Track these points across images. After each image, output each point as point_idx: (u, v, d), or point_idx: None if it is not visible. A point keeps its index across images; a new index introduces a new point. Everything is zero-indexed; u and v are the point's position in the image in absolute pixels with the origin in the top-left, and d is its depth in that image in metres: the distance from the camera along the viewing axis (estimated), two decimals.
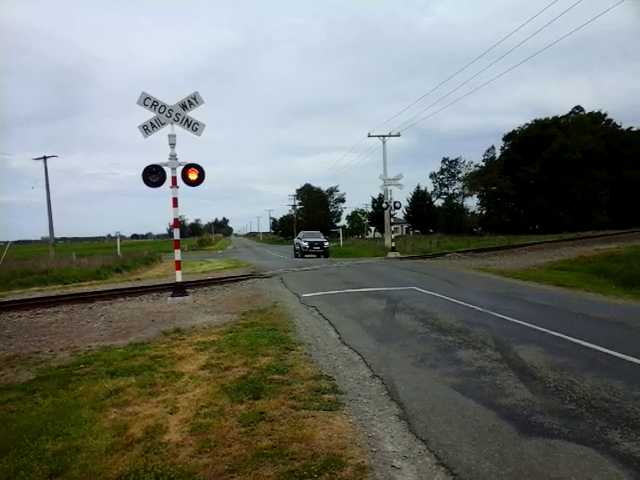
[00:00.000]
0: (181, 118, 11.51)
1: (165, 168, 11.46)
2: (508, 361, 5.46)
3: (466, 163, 73.32)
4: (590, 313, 8.49)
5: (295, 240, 36.03)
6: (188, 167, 11.62)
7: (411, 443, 3.56)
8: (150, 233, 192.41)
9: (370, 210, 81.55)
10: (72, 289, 16.03)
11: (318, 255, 29.83)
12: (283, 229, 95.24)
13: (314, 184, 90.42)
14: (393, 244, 28.50)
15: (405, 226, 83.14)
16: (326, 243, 31.43)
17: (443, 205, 74.88)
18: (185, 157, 11.76)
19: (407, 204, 75.53)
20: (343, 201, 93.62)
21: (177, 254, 12.03)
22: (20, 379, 5.57)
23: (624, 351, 5.61)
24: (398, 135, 36.66)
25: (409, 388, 4.72)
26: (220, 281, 15.20)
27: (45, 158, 37.66)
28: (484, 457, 3.27)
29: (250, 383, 4.84)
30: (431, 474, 3.11)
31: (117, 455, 3.45)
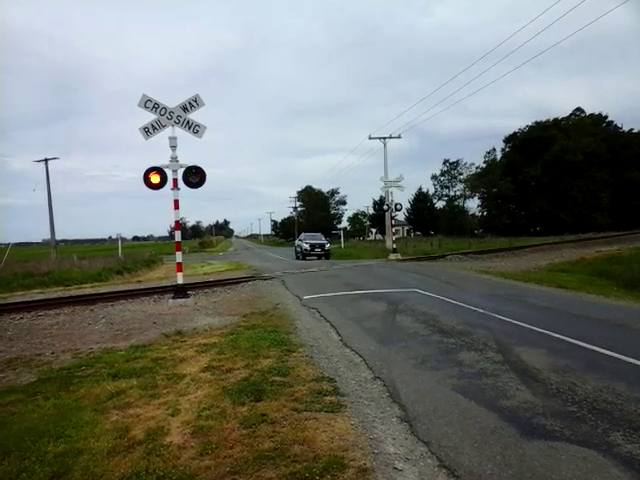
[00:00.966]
0: (182, 120, 11.54)
1: (166, 170, 11.48)
2: (510, 363, 5.45)
3: (467, 165, 73.50)
4: (591, 315, 8.47)
5: (296, 242, 35.99)
6: (189, 169, 11.64)
7: (413, 445, 3.56)
8: (151, 235, 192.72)
9: (371, 212, 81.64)
10: (73, 291, 16.04)
11: (319, 257, 29.81)
12: (284, 231, 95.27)
13: (315, 186, 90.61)
14: (394, 246, 28.47)
15: (406, 228, 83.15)
16: (327, 245, 31.40)
17: (444, 207, 74.91)
18: (186, 159, 11.81)
19: (408, 206, 75.72)
20: (344, 203, 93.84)
21: (178, 256, 12.04)
22: (22, 381, 5.57)
23: (626, 353, 5.60)
24: (399, 137, 36.71)
25: (411, 390, 4.71)
26: (221, 283, 15.19)
27: (46, 160, 37.73)
28: (486, 459, 3.26)
29: (251, 385, 4.83)
30: (433, 476, 3.10)
31: (119, 457, 3.45)
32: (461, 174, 74.16)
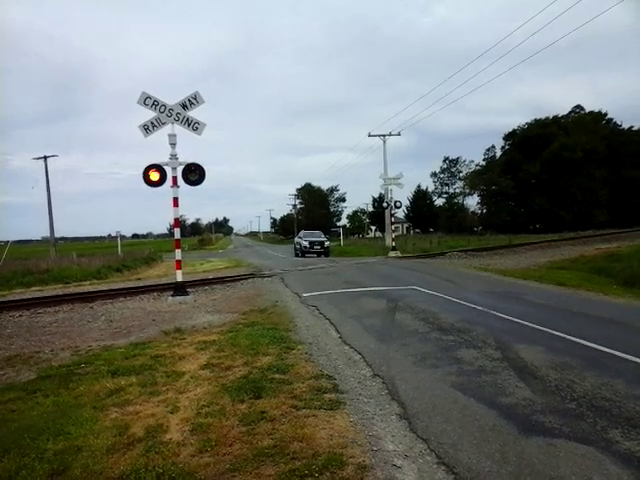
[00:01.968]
0: (181, 118, 11.51)
1: (165, 167, 11.46)
2: (509, 360, 5.46)
3: (467, 162, 73.46)
4: (591, 312, 8.48)
5: (295, 239, 36.02)
6: (188, 166, 11.62)
7: (412, 442, 3.57)
8: (151, 233, 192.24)
9: (370, 209, 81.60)
10: (73, 289, 16.04)
11: (319, 254, 29.83)
12: (283, 228, 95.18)
13: (314, 183, 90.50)
14: (394, 243, 28.48)
15: (406, 225, 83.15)
16: (326, 242, 31.42)
17: (444, 204, 74.92)
18: (186, 156, 11.79)
19: (408, 203, 75.77)
20: (344, 200, 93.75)
21: (178, 253, 12.03)
22: (21, 378, 5.58)
23: (625, 350, 5.61)
24: (398, 134, 36.68)
25: (410, 387, 4.72)
26: (221, 280, 15.20)
27: (45, 158, 37.64)
28: (485, 456, 3.27)
29: (251, 382, 4.84)
30: (432, 473, 3.11)
31: (118, 454, 3.45)
32: (461, 172, 74.22)
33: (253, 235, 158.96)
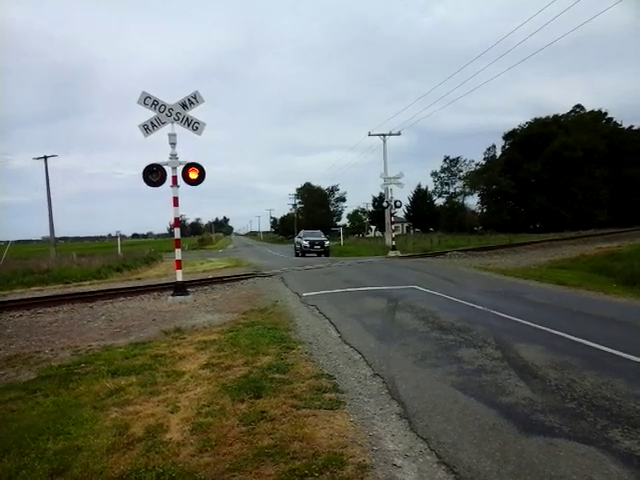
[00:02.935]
0: (181, 117, 11.51)
1: (165, 167, 11.46)
2: (509, 360, 5.46)
3: (467, 162, 73.42)
4: (591, 312, 8.48)
5: (296, 239, 36.01)
6: (188, 166, 11.62)
7: (412, 442, 3.56)
8: (151, 232, 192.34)
9: (371, 209, 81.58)
10: (73, 288, 16.05)
11: (319, 254, 29.82)
12: (284, 228, 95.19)
13: (315, 183, 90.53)
14: (394, 243, 28.47)
15: (406, 225, 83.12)
16: (327, 242, 31.42)
17: (444, 204, 74.90)
18: (185, 156, 11.77)
19: (408, 203, 75.73)
20: (344, 200, 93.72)
21: (178, 253, 12.03)
22: (21, 378, 5.58)
23: (625, 350, 5.60)
24: (398, 134, 36.69)
25: (410, 387, 4.72)
26: (221, 280, 15.20)
27: (45, 158, 37.59)
28: (485, 456, 3.27)
29: (251, 382, 4.84)
30: (432, 472, 3.11)
31: (118, 454, 3.45)
32: (461, 171, 74.14)
33: (253, 235, 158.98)
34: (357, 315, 8.58)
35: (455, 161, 74.65)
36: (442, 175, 75.79)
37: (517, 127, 63.81)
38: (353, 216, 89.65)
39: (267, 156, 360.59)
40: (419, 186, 77.02)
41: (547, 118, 61.82)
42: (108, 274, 21.68)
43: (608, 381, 4.61)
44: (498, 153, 67.15)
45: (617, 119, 62.87)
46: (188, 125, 11.61)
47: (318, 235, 32.81)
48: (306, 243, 30.77)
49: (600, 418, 3.80)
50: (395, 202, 28.82)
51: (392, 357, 5.79)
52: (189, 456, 3.38)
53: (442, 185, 76.21)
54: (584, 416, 3.86)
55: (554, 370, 5.02)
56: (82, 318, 9.70)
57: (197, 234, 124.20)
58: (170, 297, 11.58)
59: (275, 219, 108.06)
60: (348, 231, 78.82)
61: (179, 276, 11.90)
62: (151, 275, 21.82)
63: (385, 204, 32.38)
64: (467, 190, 70.92)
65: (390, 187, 29.77)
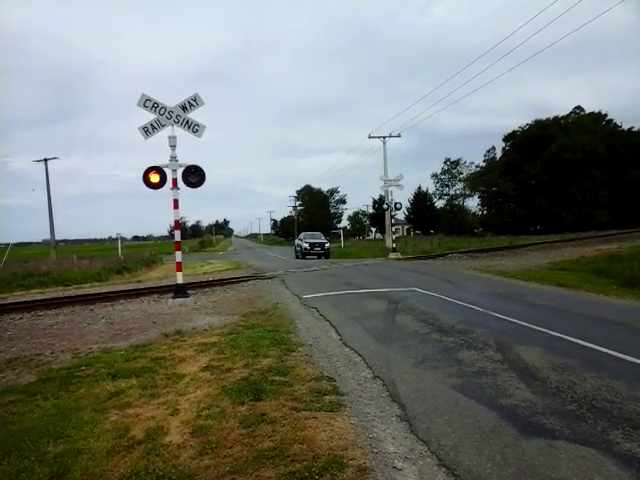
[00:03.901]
0: (181, 120, 11.53)
1: (166, 170, 11.46)
2: (509, 362, 5.45)
3: (467, 164, 73.53)
4: (591, 313, 8.47)
5: (296, 241, 35.99)
6: (189, 168, 11.63)
7: (412, 444, 3.56)
8: (151, 235, 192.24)
9: (371, 211, 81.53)
10: (73, 291, 16.05)
11: (319, 256, 29.80)
12: (284, 230, 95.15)
13: (315, 185, 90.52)
14: (394, 245, 28.48)
15: (406, 227, 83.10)
16: (327, 244, 31.39)
17: (444, 206, 74.92)
18: (186, 158, 11.79)
19: (408, 205, 75.70)
20: (344, 202, 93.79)
21: (178, 255, 12.03)
22: (21, 381, 5.58)
23: (625, 351, 5.59)
24: (399, 136, 36.68)
25: (410, 389, 4.71)
26: (221, 282, 15.20)
27: (46, 160, 37.64)
28: (485, 458, 3.26)
29: (251, 385, 4.83)
30: (432, 475, 3.10)
31: (118, 457, 3.45)
32: (461, 173, 74.26)
33: (253, 237, 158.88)
34: (358, 317, 8.57)
35: (455, 163, 74.80)
36: (442, 177, 75.95)
37: (517, 129, 64.02)
38: (353, 218, 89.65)
39: (267, 158, 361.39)
40: (419, 188, 77.12)
41: (547, 120, 61.97)
42: (108, 276, 21.68)
43: (608, 383, 4.61)
44: (498, 155, 67.34)
45: (617, 120, 63.13)
46: (188, 128, 11.63)
47: (318, 237, 32.78)
48: (306, 245, 30.75)
49: (601, 420, 3.80)
50: (395, 204, 28.86)
51: (392, 359, 5.79)
52: (189, 459, 3.37)
53: (442, 187, 76.37)
54: (585, 418, 3.85)
55: (554, 372, 5.01)
56: (82, 321, 9.71)
57: (197, 236, 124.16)
58: (170, 299, 11.57)
59: (275, 221, 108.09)
60: (348, 233, 78.86)
61: (179, 278, 11.90)
62: (151, 277, 21.82)
63: (385, 206, 32.37)
64: (467, 192, 71.07)
65: (390, 189, 29.80)
